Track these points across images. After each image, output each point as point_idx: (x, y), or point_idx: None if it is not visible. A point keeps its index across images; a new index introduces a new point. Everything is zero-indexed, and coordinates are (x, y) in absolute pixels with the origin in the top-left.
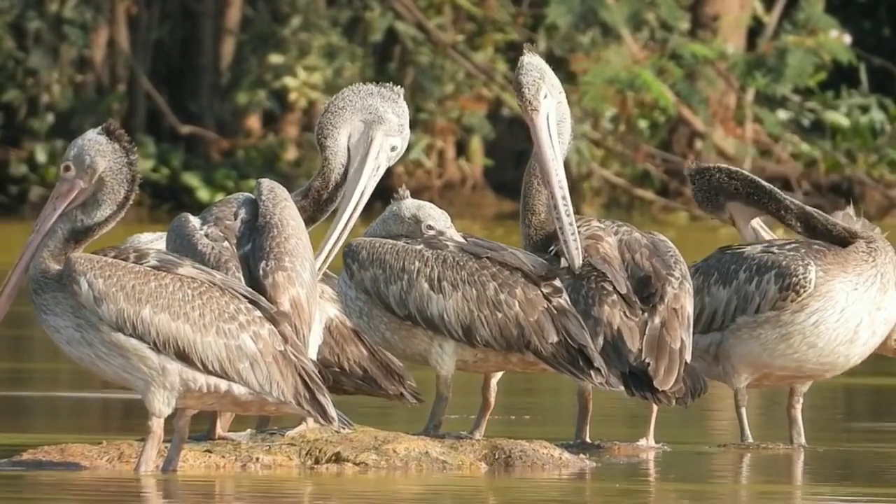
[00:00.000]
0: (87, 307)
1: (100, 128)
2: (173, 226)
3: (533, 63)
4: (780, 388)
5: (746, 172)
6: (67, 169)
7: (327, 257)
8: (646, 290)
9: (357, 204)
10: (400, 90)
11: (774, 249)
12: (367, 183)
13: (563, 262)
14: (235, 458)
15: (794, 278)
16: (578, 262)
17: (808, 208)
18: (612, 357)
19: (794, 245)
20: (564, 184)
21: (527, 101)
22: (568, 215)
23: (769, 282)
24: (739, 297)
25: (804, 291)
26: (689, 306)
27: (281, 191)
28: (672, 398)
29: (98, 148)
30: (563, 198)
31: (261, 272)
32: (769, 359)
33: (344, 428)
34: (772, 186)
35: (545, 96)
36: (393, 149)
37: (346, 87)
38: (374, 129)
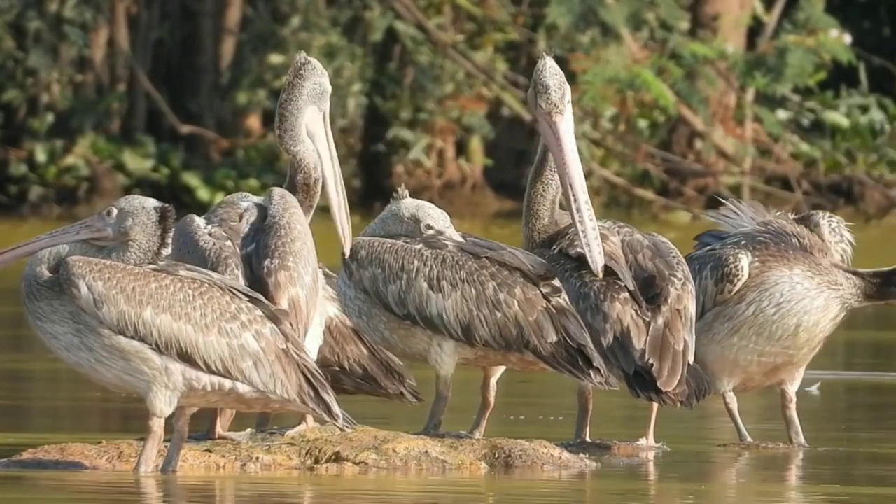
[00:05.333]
0: (86, 311)
1: (161, 206)
2: (178, 225)
3: (556, 68)
4: (775, 389)
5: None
6: (109, 214)
7: (346, 231)
8: (650, 291)
9: (337, 182)
10: (310, 59)
11: (717, 245)
12: (333, 159)
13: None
14: (235, 458)
15: (726, 268)
16: (601, 265)
17: None
18: (618, 355)
19: (735, 239)
20: (585, 187)
21: (553, 103)
22: (591, 220)
23: (707, 277)
24: None
25: (737, 280)
26: (691, 307)
27: (291, 198)
28: (676, 400)
29: (143, 220)
30: (586, 202)
31: (264, 270)
32: (731, 355)
33: (348, 426)
34: None
35: (569, 101)
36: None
37: (283, 93)
38: (320, 104)
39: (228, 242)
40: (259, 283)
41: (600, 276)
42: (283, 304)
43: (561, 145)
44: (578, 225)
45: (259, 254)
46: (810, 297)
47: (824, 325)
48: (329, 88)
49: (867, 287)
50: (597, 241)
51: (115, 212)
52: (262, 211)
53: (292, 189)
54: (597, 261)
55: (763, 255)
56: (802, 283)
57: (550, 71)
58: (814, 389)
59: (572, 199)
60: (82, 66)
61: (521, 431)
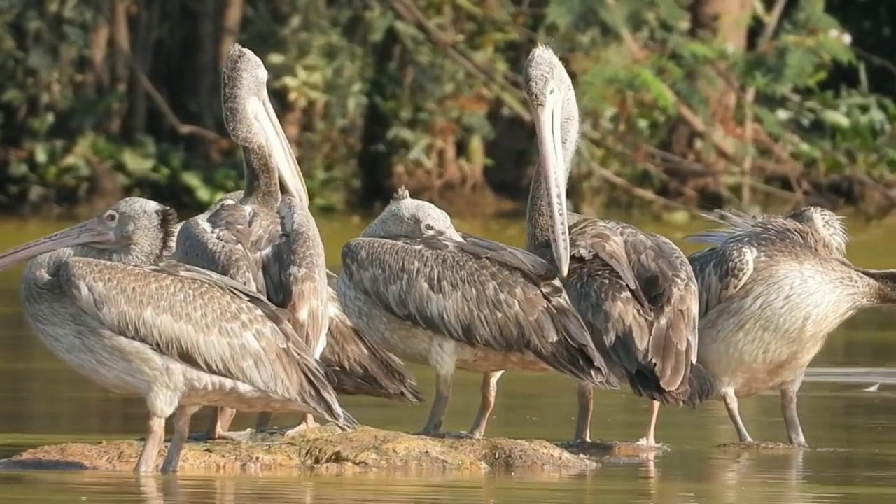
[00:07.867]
0: (87, 312)
1: (162, 209)
2: (182, 228)
3: (543, 57)
4: (775, 391)
5: None
6: (112, 218)
7: (302, 195)
8: (653, 291)
9: (286, 152)
10: (244, 50)
11: (719, 245)
12: (280, 135)
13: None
14: (235, 458)
15: (731, 263)
16: (566, 265)
17: None
18: (621, 355)
19: (739, 236)
20: (562, 182)
21: (533, 94)
22: (560, 214)
23: (710, 274)
24: None
25: (742, 274)
26: (694, 308)
27: (309, 213)
28: (679, 399)
29: (146, 224)
30: (558, 196)
31: (291, 277)
32: (736, 352)
33: (349, 426)
34: None
35: (552, 91)
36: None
37: (224, 89)
38: (259, 93)
39: (238, 246)
40: (282, 288)
41: (564, 274)
42: (303, 314)
43: (541, 136)
44: (548, 219)
45: (282, 259)
46: (822, 291)
47: (832, 319)
48: (265, 77)
49: (881, 287)
50: (564, 237)
51: (116, 216)
52: (275, 217)
53: (253, 175)
54: (562, 257)
55: (769, 249)
56: (814, 276)
57: (537, 61)
58: (874, 389)
59: (545, 192)
60: (82, 66)
61: (521, 432)
